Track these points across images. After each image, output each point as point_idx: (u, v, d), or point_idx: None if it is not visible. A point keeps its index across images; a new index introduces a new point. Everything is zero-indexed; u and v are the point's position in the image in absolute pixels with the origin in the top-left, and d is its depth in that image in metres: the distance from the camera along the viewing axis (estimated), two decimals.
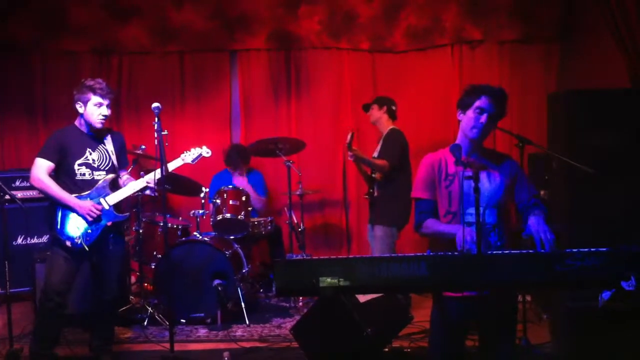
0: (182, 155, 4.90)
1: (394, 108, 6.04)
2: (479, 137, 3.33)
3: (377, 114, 6.01)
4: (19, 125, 7.28)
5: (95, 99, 4.42)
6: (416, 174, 3.54)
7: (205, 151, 5.00)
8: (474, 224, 3.19)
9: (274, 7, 7.16)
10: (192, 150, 4.95)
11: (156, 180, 4.54)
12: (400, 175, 5.80)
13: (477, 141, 3.36)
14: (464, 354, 3.41)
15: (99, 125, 4.49)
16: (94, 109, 4.43)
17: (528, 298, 5.50)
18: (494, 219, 3.32)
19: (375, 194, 5.85)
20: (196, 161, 4.96)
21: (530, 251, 3.01)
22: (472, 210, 3.24)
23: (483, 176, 3.34)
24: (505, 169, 3.40)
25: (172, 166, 4.77)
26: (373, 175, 5.86)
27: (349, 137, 5.71)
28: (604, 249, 2.88)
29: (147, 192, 4.66)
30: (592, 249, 2.88)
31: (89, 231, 4.41)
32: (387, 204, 5.80)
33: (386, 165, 5.71)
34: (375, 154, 5.91)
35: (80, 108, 4.45)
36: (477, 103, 3.30)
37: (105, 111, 4.47)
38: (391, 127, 5.96)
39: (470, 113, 3.33)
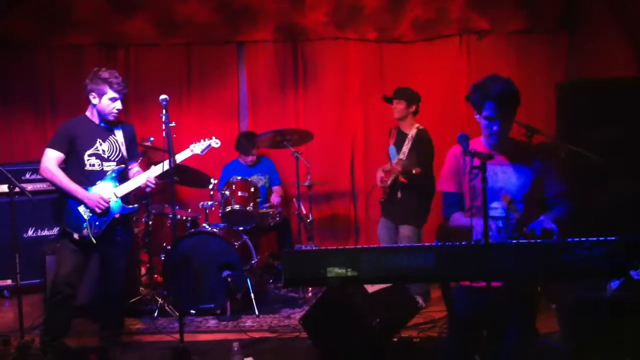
0: (191, 146, 4.91)
1: (419, 105, 5.88)
2: (498, 142, 3.31)
3: (405, 112, 5.79)
4: (27, 119, 7.30)
5: (111, 93, 4.44)
6: (442, 166, 3.50)
7: (215, 142, 5.00)
8: (499, 218, 3.20)
9: None
10: (202, 141, 4.96)
11: (164, 172, 4.56)
12: (425, 176, 5.73)
13: (498, 145, 3.33)
14: (477, 344, 3.39)
15: (112, 118, 4.53)
16: (109, 103, 4.46)
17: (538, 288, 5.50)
18: (520, 214, 3.30)
19: (399, 195, 5.71)
20: (205, 152, 4.97)
21: (538, 241, 3.00)
22: (496, 204, 3.24)
23: (511, 170, 3.32)
24: (535, 163, 3.36)
25: (180, 157, 4.78)
26: (397, 179, 5.66)
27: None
28: (612, 238, 2.87)
29: (147, 189, 4.65)
30: (600, 238, 2.88)
31: (97, 223, 4.42)
32: (413, 204, 5.72)
33: (419, 173, 5.55)
34: (403, 156, 5.70)
35: (94, 99, 4.47)
36: (485, 112, 3.25)
37: (119, 105, 4.50)
38: (418, 126, 5.79)
39: (482, 120, 3.30)
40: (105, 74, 4.46)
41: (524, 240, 3.08)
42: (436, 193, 5.96)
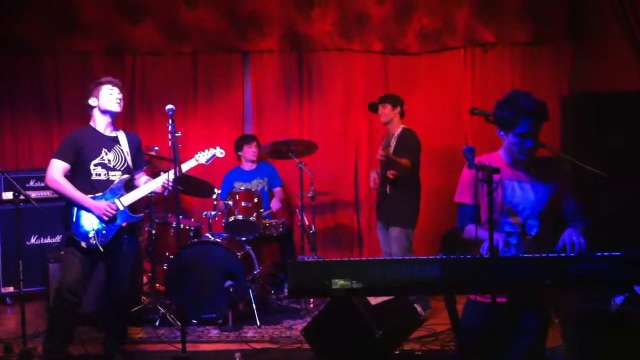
0: (196, 156, 4.92)
1: (404, 107, 5.99)
2: (528, 158, 3.31)
3: (391, 114, 5.90)
4: (33, 126, 7.32)
5: (105, 87, 4.52)
6: (460, 177, 3.50)
7: (219, 152, 5.01)
8: (514, 234, 3.19)
9: (287, 9, 7.18)
10: (206, 150, 4.96)
11: (170, 182, 4.57)
12: (414, 175, 5.79)
13: (526, 161, 3.33)
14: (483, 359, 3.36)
15: (117, 109, 4.56)
16: (107, 95, 4.52)
17: None
18: (535, 230, 3.29)
19: (388, 191, 5.79)
20: (210, 162, 4.97)
21: (544, 254, 3.00)
22: (511, 220, 3.24)
23: (529, 186, 3.31)
24: (552, 180, 3.35)
25: (186, 167, 4.79)
26: (386, 174, 5.76)
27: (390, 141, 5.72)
28: (618, 253, 2.87)
29: (165, 192, 4.68)
30: (606, 253, 2.87)
31: (104, 232, 4.43)
32: (400, 204, 5.76)
33: (408, 165, 5.64)
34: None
35: (94, 102, 4.52)
36: (520, 128, 3.21)
37: (118, 94, 4.55)
38: (402, 126, 5.90)
39: (512, 137, 3.26)
40: (96, 81, 4.58)
41: (529, 254, 3.08)
42: (431, 198, 6.00)
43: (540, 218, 3.28)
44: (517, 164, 3.34)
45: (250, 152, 6.86)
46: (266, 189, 6.91)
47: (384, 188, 5.86)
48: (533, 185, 3.32)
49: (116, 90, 4.55)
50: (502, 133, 3.31)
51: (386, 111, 5.93)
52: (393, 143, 5.83)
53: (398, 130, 5.88)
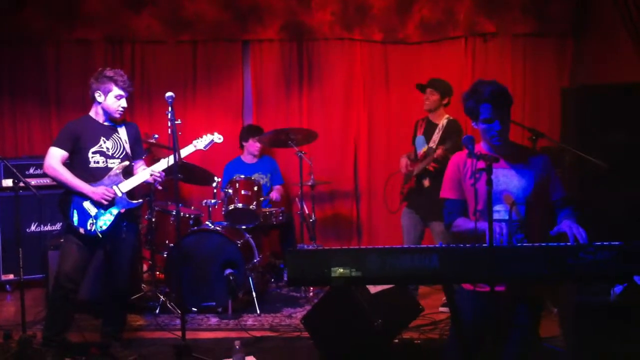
0: (194, 142, 4.92)
1: (451, 98, 5.79)
2: (501, 143, 3.32)
3: (437, 104, 5.71)
4: (32, 113, 7.32)
5: (116, 90, 4.49)
6: (445, 173, 3.53)
7: (217, 137, 5.00)
8: (502, 221, 3.19)
9: None
10: (204, 136, 4.96)
11: (168, 169, 4.57)
12: None
13: (501, 147, 3.34)
14: (479, 349, 3.37)
15: (117, 116, 4.57)
16: (114, 100, 4.50)
17: None
18: (522, 217, 3.29)
19: (426, 184, 5.62)
20: (208, 147, 4.97)
21: (543, 244, 2.99)
22: (499, 207, 3.25)
23: (512, 173, 3.32)
24: (537, 166, 3.36)
25: (184, 153, 4.79)
26: (426, 167, 5.58)
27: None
28: (617, 243, 2.86)
29: (156, 184, 4.67)
30: (605, 243, 2.87)
31: (103, 218, 4.43)
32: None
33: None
34: (433, 144, 5.62)
35: (99, 97, 4.50)
36: (482, 115, 3.27)
37: (125, 103, 4.55)
38: (448, 116, 5.73)
39: (481, 125, 3.31)
40: (110, 73, 4.52)
41: (528, 244, 3.08)
42: None
43: (526, 204, 3.30)
44: (499, 150, 3.35)
45: (254, 146, 6.83)
46: (269, 184, 6.91)
47: (420, 180, 5.66)
48: (517, 172, 3.34)
49: (124, 101, 4.55)
50: (474, 124, 3.34)
51: (434, 98, 5.72)
52: (438, 133, 5.65)
53: (443, 121, 5.71)
